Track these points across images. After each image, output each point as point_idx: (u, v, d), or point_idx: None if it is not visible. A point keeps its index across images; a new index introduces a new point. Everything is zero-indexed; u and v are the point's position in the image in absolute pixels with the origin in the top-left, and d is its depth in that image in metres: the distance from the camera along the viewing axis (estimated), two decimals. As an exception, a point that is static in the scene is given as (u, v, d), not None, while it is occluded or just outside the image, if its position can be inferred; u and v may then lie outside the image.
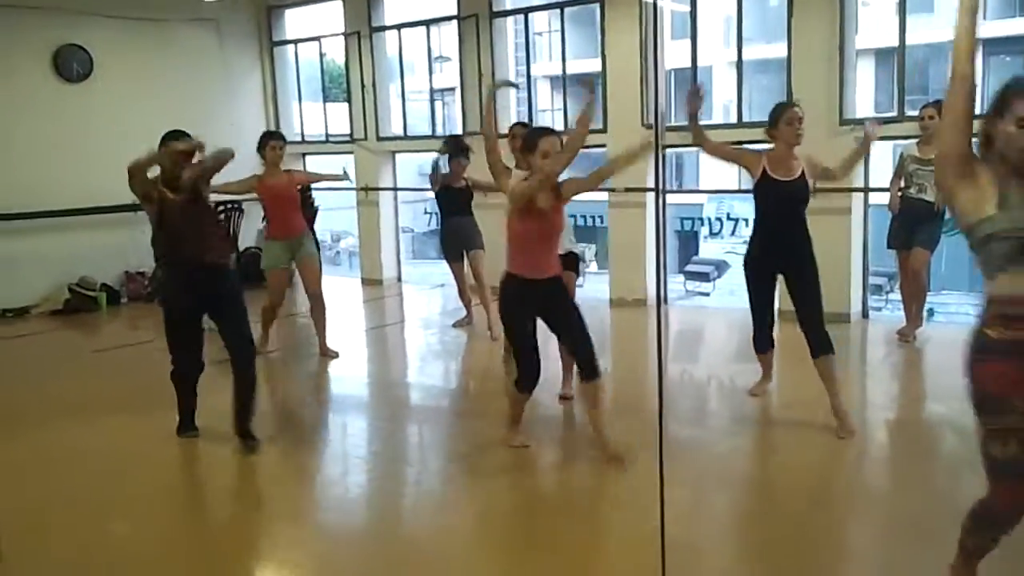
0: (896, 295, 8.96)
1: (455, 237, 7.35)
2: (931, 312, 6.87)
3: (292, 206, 6.68)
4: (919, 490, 4.03)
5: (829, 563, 3.44)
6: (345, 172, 7.87)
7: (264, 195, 6.70)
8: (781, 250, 4.87)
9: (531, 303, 4.30)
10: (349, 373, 6.66)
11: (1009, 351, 2.45)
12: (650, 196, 8.30)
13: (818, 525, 3.74)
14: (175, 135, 4.55)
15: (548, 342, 4.67)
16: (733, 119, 8.16)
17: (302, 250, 6.63)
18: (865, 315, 7.59)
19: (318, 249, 7.25)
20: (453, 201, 7.28)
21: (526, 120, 8.66)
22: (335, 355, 6.77)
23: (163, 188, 4.52)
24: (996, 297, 2.48)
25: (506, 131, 5.96)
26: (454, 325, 7.73)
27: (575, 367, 4.57)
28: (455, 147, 7.15)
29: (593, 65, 8.70)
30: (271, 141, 6.57)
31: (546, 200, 4.19)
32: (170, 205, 4.51)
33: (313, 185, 9.20)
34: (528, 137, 4.29)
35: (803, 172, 4.80)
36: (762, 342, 5.21)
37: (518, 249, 4.25)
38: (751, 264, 5.04)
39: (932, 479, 4.23)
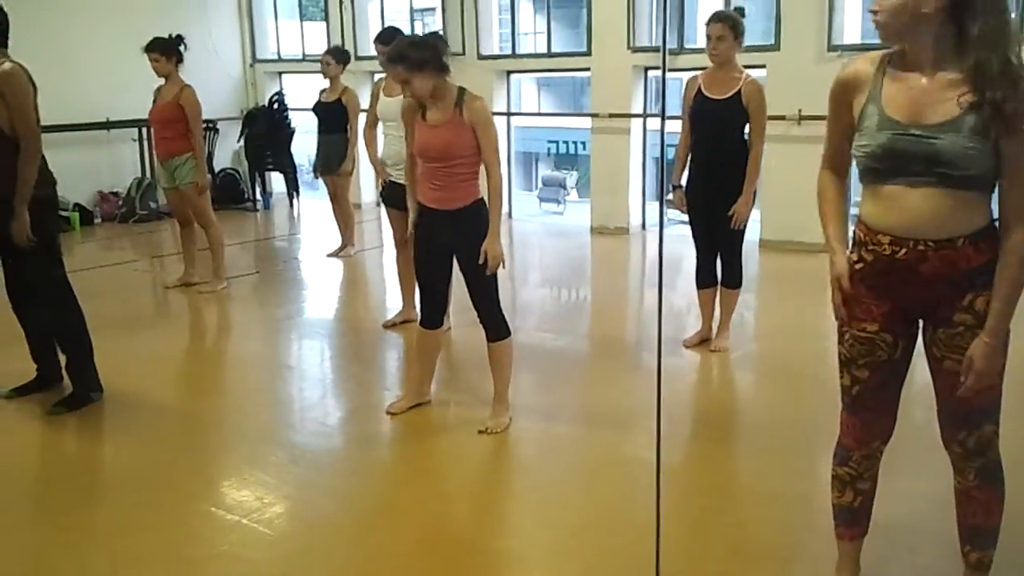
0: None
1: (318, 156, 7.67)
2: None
3: (162, 126, 6.15)
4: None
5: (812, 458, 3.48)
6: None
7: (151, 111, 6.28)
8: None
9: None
10: (328, 297, 6.60)
11: None
12: (634, 122, 8.19)
13: (802, 441, 3.77)
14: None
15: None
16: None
17: (176, 173, 6.15)
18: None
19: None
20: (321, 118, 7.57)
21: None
22: (210, 291, 6.39)
23: None
24: None
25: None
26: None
27: None
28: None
29: (578, -15, 8.49)
30: (148, 53, 6.00)
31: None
32: None
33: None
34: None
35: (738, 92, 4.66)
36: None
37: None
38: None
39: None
